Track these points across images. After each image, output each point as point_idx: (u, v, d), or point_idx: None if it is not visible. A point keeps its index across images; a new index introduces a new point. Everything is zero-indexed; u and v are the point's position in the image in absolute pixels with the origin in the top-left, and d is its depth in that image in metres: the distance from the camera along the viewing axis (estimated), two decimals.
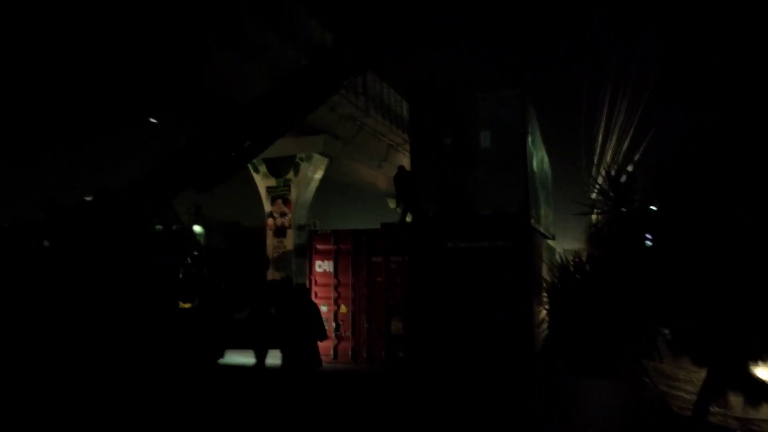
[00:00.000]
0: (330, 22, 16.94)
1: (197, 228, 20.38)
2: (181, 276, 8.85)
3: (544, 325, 8.33)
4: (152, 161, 9.39)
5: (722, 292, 6.75)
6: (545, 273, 9.94)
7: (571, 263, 8.00)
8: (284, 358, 7.96)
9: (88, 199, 7.97)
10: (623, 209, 9.04)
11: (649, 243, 8.65)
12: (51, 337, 7.26)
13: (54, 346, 7.18)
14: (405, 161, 12.36)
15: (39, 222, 7.80)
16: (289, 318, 8.29)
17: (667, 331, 7.87)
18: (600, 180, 8.46)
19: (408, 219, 11.78)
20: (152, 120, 17.16)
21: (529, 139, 10.69)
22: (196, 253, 9.87)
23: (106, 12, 11.39)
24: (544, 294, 8.36)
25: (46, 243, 7.64)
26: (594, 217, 9.36)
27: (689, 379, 8.82)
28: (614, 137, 21.99)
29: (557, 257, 13.37)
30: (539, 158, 12.83)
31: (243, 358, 10.13)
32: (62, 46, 11.87)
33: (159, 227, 9.09)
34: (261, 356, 9.19)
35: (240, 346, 9.72)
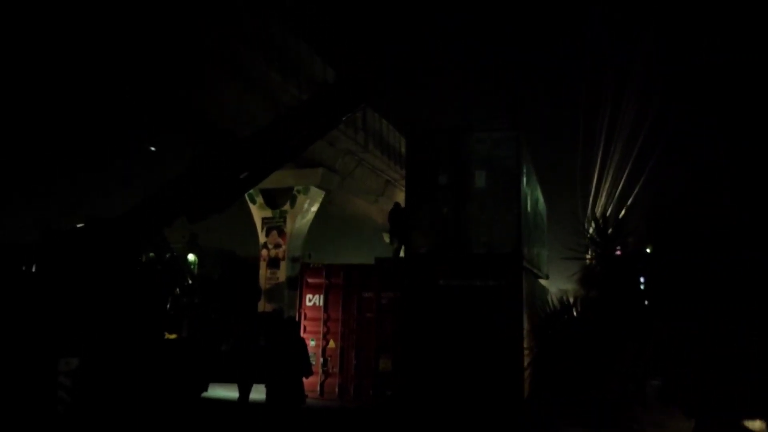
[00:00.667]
0: (331, 59, 17.30)
1: (191, 256, 20.40)
2: (168, 306, 8.78)
3: (533, 367, 8.25)
4: (149, 188, 9.44)
5: (719, 341, 6.72)
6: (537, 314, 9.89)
7: (558, 305, 7.99)
8: (269, 394, 7.84)
9: (80, 226, 7.97)
10: (617, 251, 9.05)
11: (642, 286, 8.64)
12: (33, 364, 7.16)
13: (34, 373, 7.07)
14: (402, 197, 12.45)
15: (29, 247, 7.79)
16: (277, 352, 8.20)
17: (656, 379, 7.79)
18: (591, 228, 8.52)
19: (402, 254, 11.79)
20: (151, 148, 17.35)
21: (524, 179, 10.79)
22: (187, 282, 9.82)
23: (106, 31, 11.47)
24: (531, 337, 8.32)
25: (34, 269, 7.62)
26: (588, 258, 9.37)
27: (679, 428, 8.67)
28: (609, 177, 22.23)
29: (549, 298, 13.33)
30: (534, 198, 12.93)
31: (227, 392, 9.97)
32: (63, 65, 11.91)
33: (151, 255, 9.06)
34: (245, 391, 9.04)
35: (225, 379, 9.57)
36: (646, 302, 8.58)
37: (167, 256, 9.43)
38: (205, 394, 9.45)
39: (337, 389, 10.59)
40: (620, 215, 9.10)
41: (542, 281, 14.69)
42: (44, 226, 8.09)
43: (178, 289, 9.10)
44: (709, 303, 6.48)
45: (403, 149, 21.58)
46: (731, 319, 6.37)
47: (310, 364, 8.26)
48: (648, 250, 8.88)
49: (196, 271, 17.88)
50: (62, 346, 7.22)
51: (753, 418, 6.56)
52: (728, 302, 6.39)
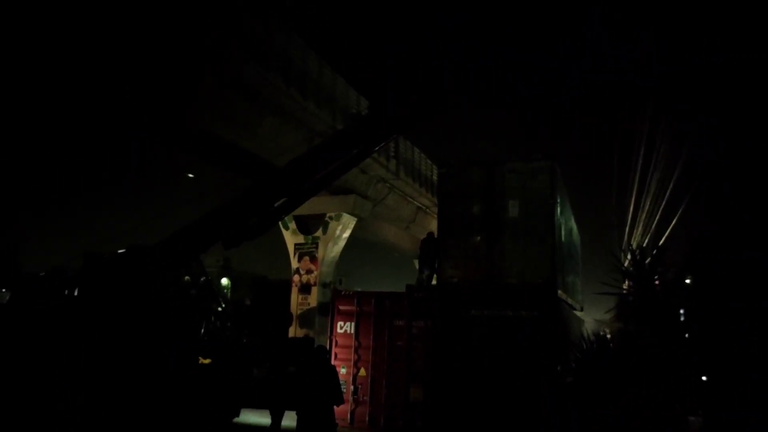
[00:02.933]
0: (365, 89, 17.57)
1: (224, 281, 20.67)
2: (203, 331, 8.92)
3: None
4: (189, 216, 9.60)
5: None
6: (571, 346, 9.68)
7: (593, 338, 7.83)
8: (299, 421, 7.83)
9: (121, 252, 8.23)
10: (656, 282, 8.84)
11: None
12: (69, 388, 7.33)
13: (70, 397, 7.24)
14: (433, 224, 12.47)
15: (73, 272, 8.07)
16: (308, 379, 8.21)
17: (696, 417, 7.53)
18: (626, 261, 8.38)
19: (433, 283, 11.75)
20: (189, 175, 17.85)
21: (558, 209, 10.70)
22: (221, 307, 9.96)
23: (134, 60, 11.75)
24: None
25: (76, 293, 7.87)
26: (624, 290, 9.17)
27: None
28: (646, 207, 21.74)
29: (585, 328, 13.03)
30: (568, 228, 12.77)
31: (258, 417, 10.00)
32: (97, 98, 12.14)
33: (186, 278, 9.24)
34: (277, 417, 9.06)
35: (256, 405, 9.60)
36: (686, 335, 8.34)
37: (202, 280, 9.61)
38: (236, 420, 9.50)
39: (367, 418, 10.51)
40: (659, 244, 8.93)
41: (577, 312, 14.40)
42: (88, 253, 8.38)
43: (212, 316, 9.25)
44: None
45: (434, 177, 21.67)
46: None
47: (341, 392, 8.21)
48: (687, 281, 8.65)
49: (229, 295, 18.08)
50: (99, 369, 7.38)
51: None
52: None
